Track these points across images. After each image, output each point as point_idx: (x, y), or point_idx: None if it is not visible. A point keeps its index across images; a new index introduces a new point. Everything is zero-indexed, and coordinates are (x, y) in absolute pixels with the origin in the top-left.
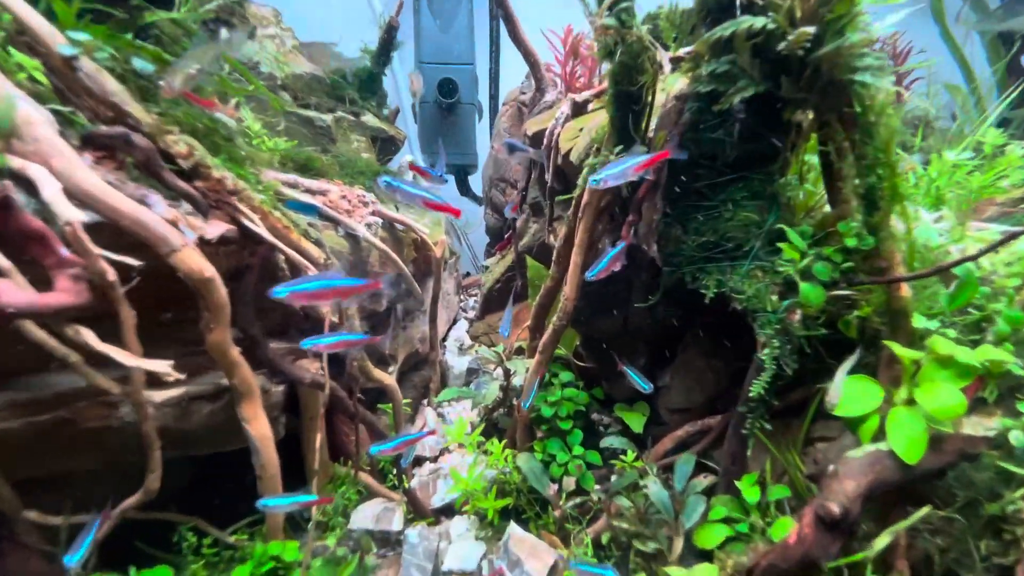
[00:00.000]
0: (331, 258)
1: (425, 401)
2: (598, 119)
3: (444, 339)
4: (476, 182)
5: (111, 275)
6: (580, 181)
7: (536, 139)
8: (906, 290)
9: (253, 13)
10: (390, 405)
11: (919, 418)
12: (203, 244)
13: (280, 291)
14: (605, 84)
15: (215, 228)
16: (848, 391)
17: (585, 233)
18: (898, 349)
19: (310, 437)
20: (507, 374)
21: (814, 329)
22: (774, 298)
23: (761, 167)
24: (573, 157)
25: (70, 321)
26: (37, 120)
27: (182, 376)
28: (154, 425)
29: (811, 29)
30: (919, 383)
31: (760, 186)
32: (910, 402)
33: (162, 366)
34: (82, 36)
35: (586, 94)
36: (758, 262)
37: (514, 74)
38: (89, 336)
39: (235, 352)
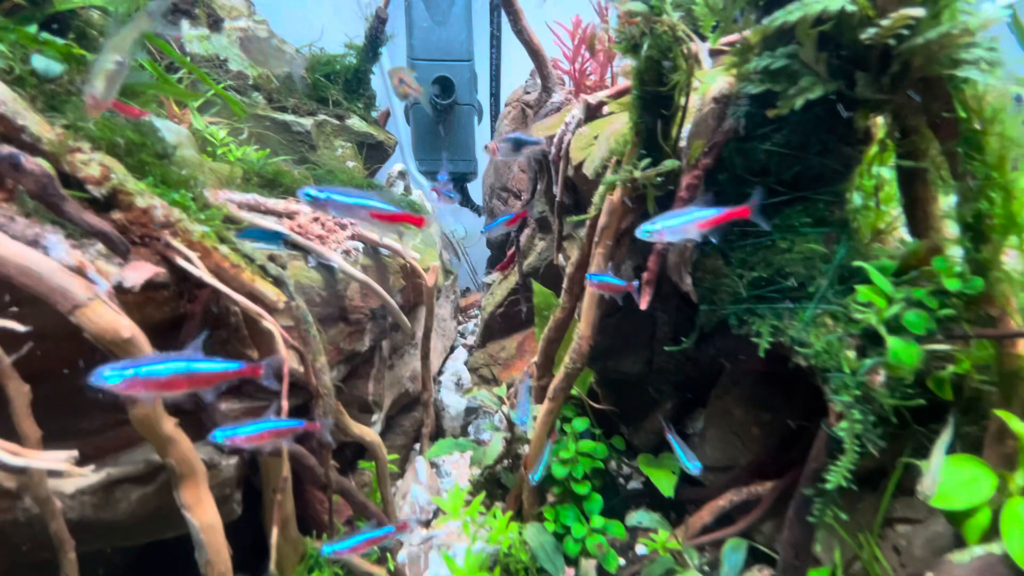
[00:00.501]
0: (294, 299)
1: (417, 446)
2: (616, 125)
3: (440, 372)
4: (476, 190)
5: None
6: (596, 199)
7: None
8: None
9: (220, 4)
10: (373, 463)
11: None
12: (122, 294)
13: (107, 376)
14: (621, 84)
15: (137, 273)
16: (949, 476)
17: (603, 261)
18: (1015, 423)
19: (270, 516)
20: (511, 424)
21: (903, 394)
22: (851, 354)
23: (826, 186)
24: (587, 169)
25: None
26: None
27: (86, 471)
28: (65, 521)
29: (918, 11)
30: None
31: (825, 210)
32: None
33: (59, 462)
34: None
35: (601, 95)
36: (826, 305)
37: (518, 72)
38: None
39: (169, 425)
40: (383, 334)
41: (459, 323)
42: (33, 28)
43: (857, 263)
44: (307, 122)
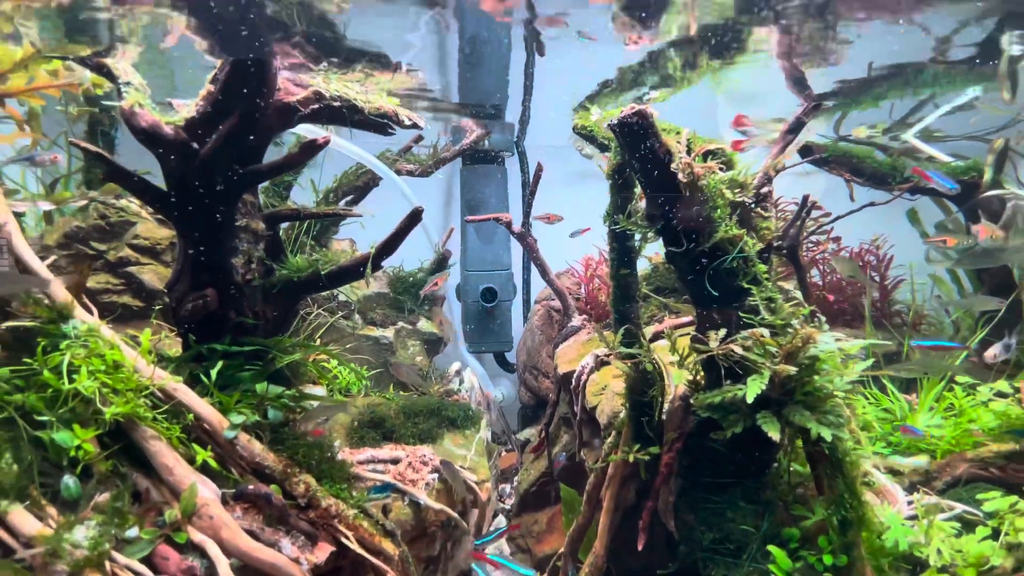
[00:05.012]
0: (400, 546)
1: None
2: (616, 384)
3: None
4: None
5: None
6: (604, 450)
7: (566, 379)
8: None
9: (335, 249)
10: None
11: None
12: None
13: None
14: None
15: (322, 553)
16: None
17: (611, 500)
18: None
19: None
20: None
21: None
22: None
23: (757, 477)
24: (599, 416)
25: None
26: (209, 500)
27: None
28: None
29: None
30: None
31: (756, 493)
32: None
33: None
34: (239, 419)
35: (604, 350)
36: (755, 565)
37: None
38: None
39: None
40: (449, 537)
41: (499, 490)
42: (264, 385)
43: (769, 547)
44: (389, 333)
